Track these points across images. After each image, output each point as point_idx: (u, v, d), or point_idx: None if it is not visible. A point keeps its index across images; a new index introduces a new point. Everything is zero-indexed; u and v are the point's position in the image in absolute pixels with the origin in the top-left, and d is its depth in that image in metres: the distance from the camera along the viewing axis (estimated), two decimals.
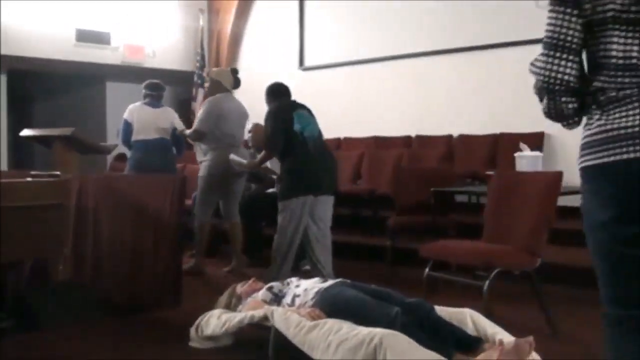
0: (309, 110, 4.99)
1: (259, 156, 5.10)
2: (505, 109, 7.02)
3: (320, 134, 4.92)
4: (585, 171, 1.66)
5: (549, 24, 1.64)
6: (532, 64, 1.68)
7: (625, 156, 1.56)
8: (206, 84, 5.70)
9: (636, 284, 1.63)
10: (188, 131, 5.67)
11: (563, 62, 1.62)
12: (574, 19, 1.60)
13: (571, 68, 1.62)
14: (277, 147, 4.78)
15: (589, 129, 1.65)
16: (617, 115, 1.59)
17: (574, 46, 1.61)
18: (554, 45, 1.62)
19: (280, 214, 4.77)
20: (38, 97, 9.79)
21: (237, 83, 5.78)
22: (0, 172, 6.03)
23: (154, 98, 5.99)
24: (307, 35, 9.32)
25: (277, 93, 5.07)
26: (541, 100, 1.70)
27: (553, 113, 1.69)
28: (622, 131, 1.57)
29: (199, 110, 5.69)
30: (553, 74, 1.63)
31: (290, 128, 4.72)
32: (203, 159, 5.54)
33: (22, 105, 9.47)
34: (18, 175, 4.37)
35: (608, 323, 1.81)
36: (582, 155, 1.66)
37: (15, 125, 8.35)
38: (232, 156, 5.27)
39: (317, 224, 4.81)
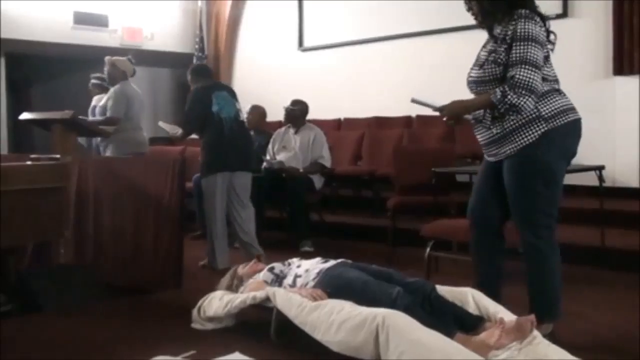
0: (230, 92, 5.28)
1: (180, 132, 5.30)
2: None
3: (237, 114, 5.18)
4: (562, 128, 2.93)
5: (532, 54, 2.86)
6: (520, 75, 2.84)
7: (579, 116, 3.00)
8: (112, 69, 5.80)
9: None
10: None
11: (538, 75, 2.88)
12: (541, 53, 2.91)
13: (539, 77, 2.90)
14: (191, 127, 5.14)
15: (553, 103, 2.95)
16: (564, 96, 3.00)
17: (540, 66, 2.91)
18: (535, 66, 2.87)
19: (203, 194, 5.13)
20: (37, 80, 9.75)
21: (134, 72, 6.04)
22: (0, 156, 6.02)
23: None
24: (306, 16, 9.25)
25: (199, 74, 5.32)
26: (529, 96, 2.86)
27: (529, 102, 2.88)
28: (571, 104, 3.01)
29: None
30: (536, 82, 2.87)
31: (208, 109, 4.99)
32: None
33: (20, 89, 9.43)
34: (18, 159, 4.36)
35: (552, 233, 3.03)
36: (561, 117, 2.94)
37: (14, 108, 8.33)
38: (161, 123, 5.47)
39: (238, 195, 5.11)
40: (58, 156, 4.16)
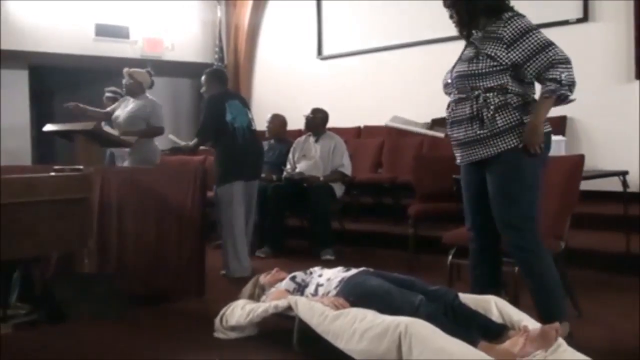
0: (242, 100, 5.32)
1: (192, 142, 5.33)
2: None
3: (250, 124, 5.20)
4: (544, 136, 2.97)
5: (546, 37, 2.93)
6: (558, 55, 2.89)
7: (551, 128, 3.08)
8: (130, 81, 5.81)
9: None
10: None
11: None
12: None
13: None
14: (208, 137, 5.15)
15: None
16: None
17: None
18: (554, 43, 2.93)
19: (219, 202, 5.09)
20: (59, 92, 9.83)
21: (152, 84, 6.03)
22: (26, 167, 6.10)
23: None
24: (325, 24, 9.28)
25: (216, 78, 5.34)
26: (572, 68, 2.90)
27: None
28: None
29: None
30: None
31: (222, 119, 5.01)
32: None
33: (43, 101, 9.54)
34: (42, 170, 4.41)
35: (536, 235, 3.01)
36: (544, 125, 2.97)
37: (37, 120, 8.43)
38: (171, 136, 5.52)
39: (248, 204, 5.19)
40: (81, 167, 4.20)
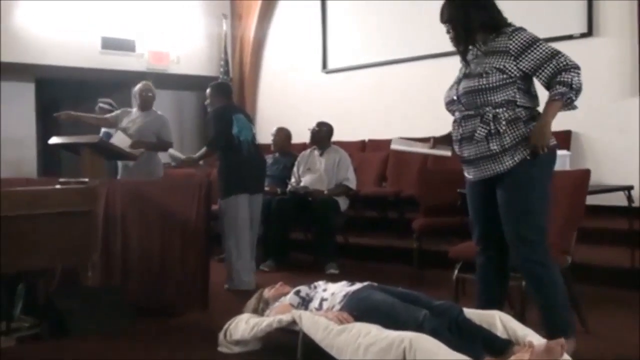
0: (246, 115, 5.38)
1: (199, 153, 5.39)
2: None
3: (254, 138, 5.28)
4: (551, 148, 3.01)
5: (552, 47, 2.98)
6: (567, 60, 2.95)
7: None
8: (149, 94, 5.88)
9: None
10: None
11: None
12: None
13: None
14: (218, 145, 5.16)
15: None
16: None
17: None
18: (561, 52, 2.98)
19: (224, 215, 5.10)
20: (65, 104, 9.84)
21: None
22: (31, 179, 6.11)
23: None
24: (330, 38, 9.30)
25: (221, 91, 5.38)
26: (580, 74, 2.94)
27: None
28: None
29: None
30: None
31: (230, 130, 5.06)
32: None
33: (49, 113, 9.57)
34: (47, 183, 4.42)
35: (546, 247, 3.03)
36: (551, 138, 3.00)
37: (43, 132, 8.45)
38: (171, 150, 5.58)
39: (250, 218, 5.18)
40: (86, 180, 4.21)
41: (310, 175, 6.26)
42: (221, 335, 3.45)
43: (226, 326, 3.46)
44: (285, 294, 3.53)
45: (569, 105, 2.97)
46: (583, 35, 6.59)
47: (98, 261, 4.49)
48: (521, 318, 3.23)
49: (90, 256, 4.15)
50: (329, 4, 9.26)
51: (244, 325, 3.37)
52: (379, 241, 6.55)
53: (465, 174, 3.22)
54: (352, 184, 6.20)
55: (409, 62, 8.24)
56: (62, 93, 9.07)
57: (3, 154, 7.93)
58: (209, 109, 5.37)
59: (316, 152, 6.37)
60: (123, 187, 4.79)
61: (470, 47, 3.14)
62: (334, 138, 6.52)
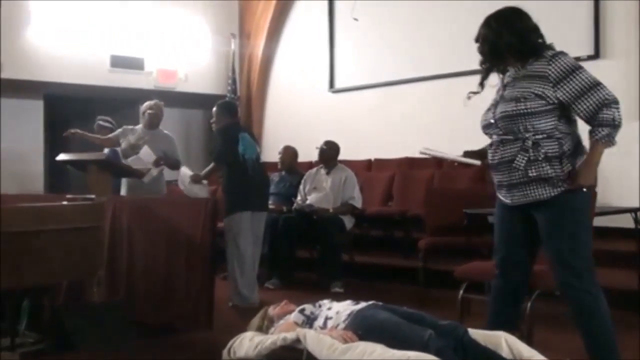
0: (251, 134, 5.46)
1: (206, 169, 5.45)
2: None
3: (258, 157, 5.37)
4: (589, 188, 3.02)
5: (593, 76, 2.96)
6: (608, 95, 2.94)
7: None
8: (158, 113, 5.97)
9: None
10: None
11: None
12: None
13: None
14: (224, 160, 5.23)
15: (584, 156, 3.01)
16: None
17: None
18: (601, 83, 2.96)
19: (227, 232, 5.14)
20: (74, 121, 9.90)
21: None
22: (38, 195, 6.14)
23: None
24: (337, 58, 9.36)
25: (227, 110, 5.45)
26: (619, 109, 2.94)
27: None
28: None
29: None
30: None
31: (235, 147, 5.13)
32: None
33: (58, 130, 9.63)
34: (54, 199, 4.44)
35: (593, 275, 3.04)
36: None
37: (51, 149, 8.50)
38: (184, 168, 5.63)
39: (255, 235, 5.24)
40: (93, 196, 4.23)
41: (316, 193, 6.27)
42: (225, 352, 3.44)
43: (230, 344, 3.44)
44: (290, 312, 3.52)
45: (611, 143, 2.94)
46: (590, 58, 6.60)
47: (103, 277, 4.49)
48: (527, 339, 3.21)
49: (96, 272, 4.15)
50: (336, 24, 9.33)
51: (248, 343, 3.35)
52: (385, 260, 6.53)
53: (501, 197, 3.15)
54: (358, 202, 6.21)
55: (415, 82, 8.26)
56: (70, 110, 9.13)
57: (11, 170, 7.98)
58: (214, 127, 5.42)
59: (322, 171, 6.38)
60: (129, 203, 4.81)
61: (509, 68, 3.10)
62: (340, 157, 6.54)
